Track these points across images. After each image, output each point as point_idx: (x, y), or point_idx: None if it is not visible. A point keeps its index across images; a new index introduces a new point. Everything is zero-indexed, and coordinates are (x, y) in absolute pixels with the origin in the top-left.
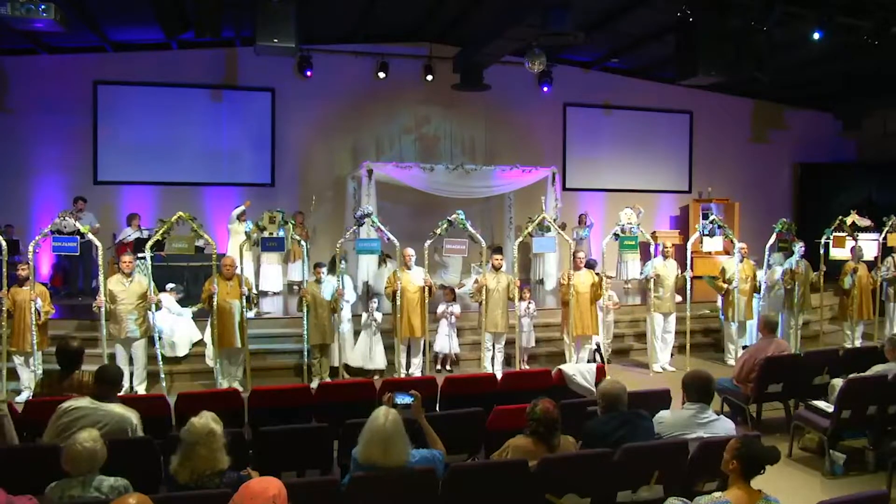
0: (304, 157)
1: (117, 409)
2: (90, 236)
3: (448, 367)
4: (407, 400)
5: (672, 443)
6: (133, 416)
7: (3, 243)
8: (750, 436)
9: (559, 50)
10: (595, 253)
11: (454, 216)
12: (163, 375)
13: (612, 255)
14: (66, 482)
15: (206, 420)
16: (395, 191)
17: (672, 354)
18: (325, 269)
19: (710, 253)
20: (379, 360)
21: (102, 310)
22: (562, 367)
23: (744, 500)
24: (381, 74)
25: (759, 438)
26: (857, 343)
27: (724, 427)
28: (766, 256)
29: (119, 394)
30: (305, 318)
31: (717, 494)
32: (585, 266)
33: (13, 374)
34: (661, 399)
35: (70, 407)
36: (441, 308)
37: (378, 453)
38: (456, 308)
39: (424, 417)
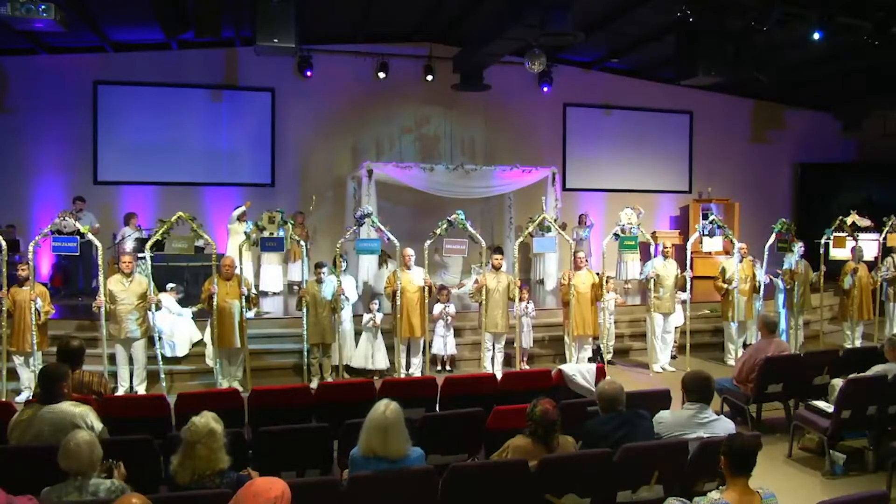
0: (304, 157)
1: (66, 407)
2: (90, 236)
3: (448, 368)
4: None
5: (672, 443)
6: (85, 411)
7: (3, 243)
8: (736, 434)
9: (559, 50)
10: (595, 253)
11: (454, 216)
12: (163, 375)
13: (612, 255)
14: (62, 486)
15: (207, 419)
16: (395, 191)
17: (674, 356)
18: (325, 270)
19: (710, 253)
20: (380, 361)
21: (102, 310)
22: (562, 367)
23: (741, 499)
24: (381, 74)
25: (759, 438)
26: (857, 343)
27: (724, 427)
28: (765, 256)
29: (117, 393)
30: (305, 318)
31: (714, 495)
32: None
33: (13, 374)
34: (661, 399)
35: (17, 420)
36: (437, 309)
37: (378, 443)
38: (451, 308)
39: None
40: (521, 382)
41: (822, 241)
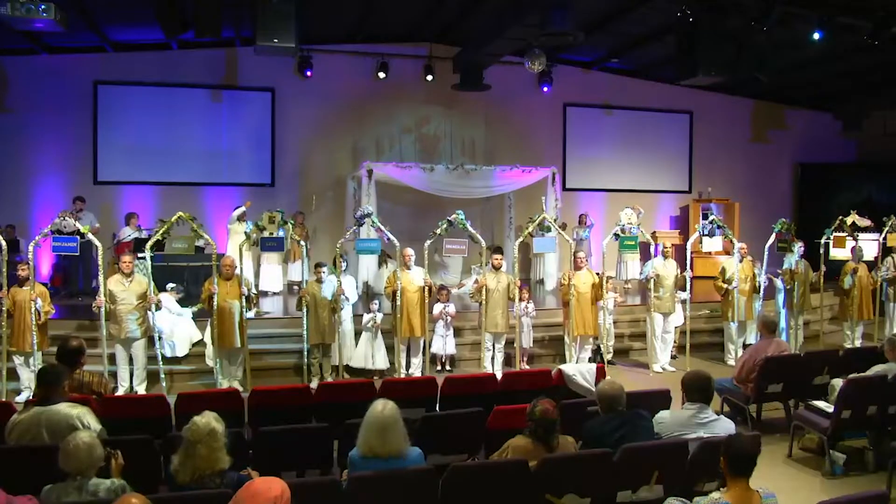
0: (304, 157)
1: (63, 408)
2: (90, 236)
3: (448, 368)
4: None
5: (672, 443)
6: (83, 412)
7: (3, 243)
8: (736, 434)
9: (559, 50)
10: (595, 253)
11: (454, 216)
12: (163, 375)
13: (612, 255)
14: (62, 486)
15: (209, 419)
16: (395, 191)
17: (674, 356)
18: (325, 270)
19: (710, 253)
20: (380, 361)
21: (102, 310)
22: (562, 367)
23: (742, 499)
24: (381, 74)
25: (759, 438)
26: (857, 343)
27: (724, 427)
28: (765, 256)
29: (118, 394)
30: (305, 318)
31: (714, 495)
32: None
33: (13, 374)
34: (661, 399)
35: (15, 422)
36: (437, 309)
37: (376, 441)
38: (451, 308)
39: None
40: (521, 382)
41: (822, 241)
